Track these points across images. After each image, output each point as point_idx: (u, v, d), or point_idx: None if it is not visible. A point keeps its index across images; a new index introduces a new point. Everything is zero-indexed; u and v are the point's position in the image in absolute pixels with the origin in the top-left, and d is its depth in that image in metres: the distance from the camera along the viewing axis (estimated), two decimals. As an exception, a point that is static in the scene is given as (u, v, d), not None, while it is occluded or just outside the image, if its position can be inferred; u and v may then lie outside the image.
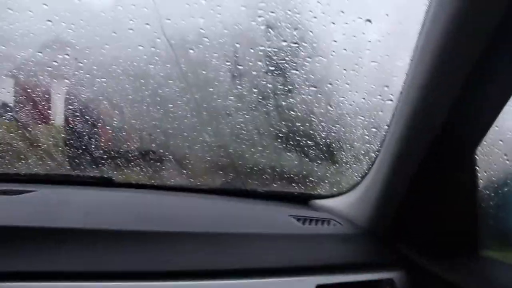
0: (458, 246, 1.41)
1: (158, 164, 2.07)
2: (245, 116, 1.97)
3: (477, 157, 1.31)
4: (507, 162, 1.38)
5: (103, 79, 1.96)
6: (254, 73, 1.91)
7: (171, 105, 1.97)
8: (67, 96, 2.08)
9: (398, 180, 1.39)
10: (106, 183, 1.88)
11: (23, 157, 2.09)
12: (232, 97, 1.96)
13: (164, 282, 1.17)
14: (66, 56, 1.89)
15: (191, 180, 2.08)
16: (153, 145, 2.08)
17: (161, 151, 2.07)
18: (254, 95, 1.95)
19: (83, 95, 2.04)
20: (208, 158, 2.04)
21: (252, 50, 1.87)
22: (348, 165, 1.87)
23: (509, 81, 1.11)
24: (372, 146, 1.69)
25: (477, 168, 1.33)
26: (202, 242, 1.33)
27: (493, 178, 1.41)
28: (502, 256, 1.44)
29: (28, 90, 2.08)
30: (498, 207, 1.46)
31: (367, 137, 1.75)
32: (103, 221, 1.35)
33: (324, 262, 1.40)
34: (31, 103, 2.09)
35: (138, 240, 1.26)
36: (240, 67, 1.91)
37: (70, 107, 2.06)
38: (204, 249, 1.30)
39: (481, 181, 1.35)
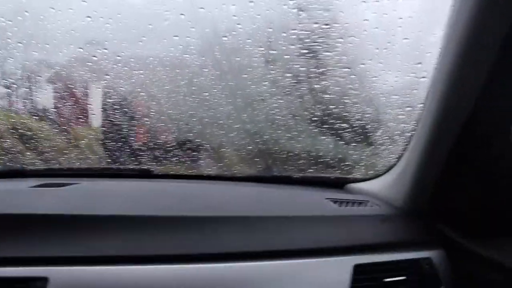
0: (497, 224, 1.40)
1: (195, 153, 2.12)
2: (279, 101, 1.99)
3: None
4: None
5: (140, 71, 2.02)
6: (287, 57, 1.93)
7: (206, 94, 2.01)
8: (106, 90, 2.15)
9: (435, 159, 1.38)
10: (145, 174, 1.93)
11: (66, 151, 2.17)
12: (266, 83, 1.98)
13: (208, 264, 1.20)
14: (105, 51, 1.96)
15: (228, 168, 2.11)
16: (190, 134, 2.12)
17: (198, 140, 2.11)
18: (288, 80, 1.97)
19: (121, 88, 2.10)
20: (244, 145, 2.06)
21: (284, 34, 1.89)
22: (384, 147, 1.86)
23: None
24: (407, 125, 1.68)
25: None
26: (241, 225, 1.35)
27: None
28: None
29: (70, 86, 2.16)
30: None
31: (402, 116, 1.73)
32: (142, 208, 1.39)
33: (361, 242, 1.40)
34: (73, 99, 2.17)
35: (179, 225, 1.29)
36: (273, 51, 1.93)
37: (109, 100, 2.13)
38: (242, 232, 1.32)
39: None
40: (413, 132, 1.49)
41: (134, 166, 2.10)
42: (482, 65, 1.11)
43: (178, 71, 2.02)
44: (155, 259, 1.18)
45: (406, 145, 1.55)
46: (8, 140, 2.12)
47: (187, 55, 1.97)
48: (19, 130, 2.19)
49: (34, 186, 1.57)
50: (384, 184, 1.71)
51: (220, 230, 1.30)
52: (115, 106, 2.13)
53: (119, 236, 1.22)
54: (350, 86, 1.89)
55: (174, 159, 2.09)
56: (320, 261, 1.30)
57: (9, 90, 2.25)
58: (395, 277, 1.33)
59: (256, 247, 1.28)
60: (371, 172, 1.87)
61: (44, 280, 1.08)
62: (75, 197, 1.50)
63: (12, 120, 2.23)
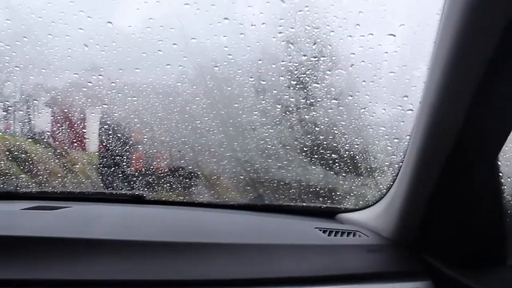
0: (484, 255, 1.40)
1: (187, 180, 2.13)
2: (270, 130, 2.01)
3: (499, 163, 1.30)
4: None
5: (134, 98, 2.05)
6: (276, 88, 1.96)
7: (198, 122, 2.04)
8: (101, 115, 2.18)
9: (422, 190, 1.39)
10: (137, 200, 1.93)
11: (59, 175, 2.18)
12: (256, 112, 2.01)
13: None
14: (100, 77, 1.99)
15: (220, 196, 2.12)
16: (182, 161, 2.14)
17: (190, 167, 2.13)
18: (278, 110, 2.00)
19: (115, 114, 2.13)
20: (236, 173, 2.08)
21: (274, 66, 1.93)
22: (373, 178, 1.87)
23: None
24: (395, 157, 1.69)
25: (501, 174, 1.32)
26: (230, 252, 1.35)
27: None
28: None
29: (65, 110, 2.18)
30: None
31: (390, 148, 1.75)
32: (133, 233, 1.39)
33: (350, 272, 1.40)
34: (68, 123, 2.19)
35: (168, 250, 1.29)
36: (263, 82, 1.96)
37: (103, 126, 2.16)
38: (231, 259, 1.32)
39: (505, 187, 1.34)
40: (400, 163, 1.50)
41: (127, 192, 2.11)
42: (464, 99, 1.13)
43: (170, 98, 2.06)
44: (144, 284, 1.18)
45: (395, 176, 1.56)
46: (2, 162, 2.14)
47: (179, 83, 2.01)
48: (14, 153, 2.21)
49: (26, 209, 1.57)
50: (373, 214, 1.72)
51: (209, 256, 1.30)
52: (109, 132, 2.15)
53: (109, 260, 1.22)
54: (339, 117, 1.91)
55: (166, 185, 2.10)
56: None
57: (5, 113, 2.28)
58: (382, 307, 1.33)
59: (245, 275, 1.28)
60: (361, 202, 1.87)
61: None
62: (67, 220, 1.51)
63: (7, 142, 2.25)
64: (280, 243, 1.46)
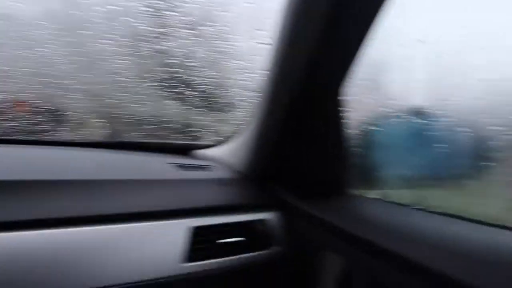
0: (329, 185, 1.50)
1: (35, 116, 1.95)
2: (121, 61, 1.88)
3: (345, 98, 1.37)
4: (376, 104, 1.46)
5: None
6: (128, 13, 1.82)
7: (44, 49, 1.82)
8: None
9: (272, 125, 1.44)
10: None
11: None
12: (106, 41, 1.86)
13: (41, 230, 1.12)
14: None
15: (71, 133, 1.98)
16: (28, 95, 1.94)
17: (37, 102, 1.94)
18: (129, 39, 1.87)
19: None
20: (87, 109, 1.95)
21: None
22: (229, 113, 1.88)
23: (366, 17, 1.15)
24: (250, 92, 1.70)
25: (346, 111, 1.39)
26: (76, 190, 1.28)
27: (361, 121, 1.50)
28: (366, 193, 1.53)
29: None
30: (366, 149, 1.56)
31: (245, 82, 1.76)
32: None
33: (201, 205, 1.42)
34: None
35: (16, 189, 1.19)
36: (111, 7, 1.81)
37: None
38: (81, 196, 1.26)
39: (349, 121, 1.42)
40: (256, 99, 1.52)
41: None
42: (314, 29, 1.16)
43: (7, 22, 1.82)
44: None
45: (250, 112, 1.59)
46: None
47: (19, 3, 1.77)
48: None
49: None
50: (228, 150, 1.75)
51: (59, 194, 1.23)
52: None
53: None
54: (194, 48, 1.86)
55: (13, 123, 1.90)
56: (158, 224, 1.29)
57: None
58: (230, 238, 1.37)
59: (95, 211, 1.23)
60: (217, 138, 1.89)
61: None
62: None
63: None
64: (131, 179, 1.42)
